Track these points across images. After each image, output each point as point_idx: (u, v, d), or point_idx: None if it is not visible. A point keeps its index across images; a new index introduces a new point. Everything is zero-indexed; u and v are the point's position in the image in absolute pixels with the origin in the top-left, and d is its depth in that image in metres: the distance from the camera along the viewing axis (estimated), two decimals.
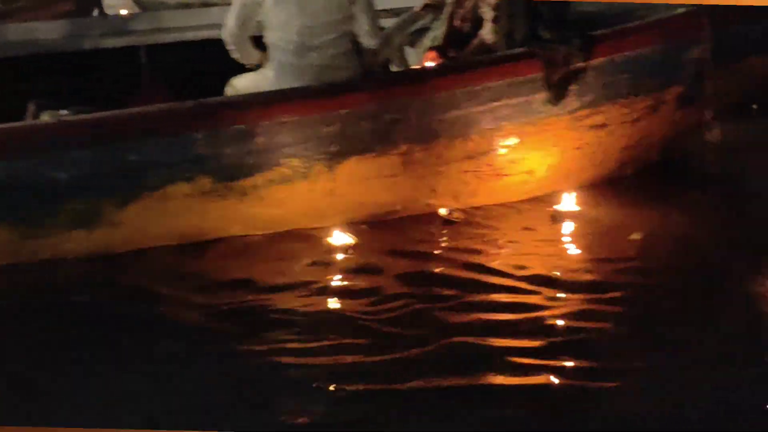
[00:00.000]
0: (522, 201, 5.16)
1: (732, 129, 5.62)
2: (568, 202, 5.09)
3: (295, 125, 4.76)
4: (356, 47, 5.06)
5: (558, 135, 5.08)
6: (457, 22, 5.07)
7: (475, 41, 5.00)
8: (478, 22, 5.02)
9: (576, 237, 4.88)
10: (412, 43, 5.24)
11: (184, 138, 4.70)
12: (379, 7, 5.32)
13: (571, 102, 5.03)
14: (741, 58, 5.28)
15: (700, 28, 5.07)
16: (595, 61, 5.00)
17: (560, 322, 4.09)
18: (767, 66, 5.48)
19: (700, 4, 5.10)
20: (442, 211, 5.02)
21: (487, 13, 4.98)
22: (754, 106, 7.01)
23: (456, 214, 5.04)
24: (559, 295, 4.30)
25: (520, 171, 5.10)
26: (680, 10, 5.12)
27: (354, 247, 4.77)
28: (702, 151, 5.37)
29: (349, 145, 4.82)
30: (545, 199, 5.17)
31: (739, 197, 5.27)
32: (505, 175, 5.08)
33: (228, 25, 5.05)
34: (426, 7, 5.30)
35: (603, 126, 5.13)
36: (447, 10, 5.08)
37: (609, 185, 5.27)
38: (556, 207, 5.08)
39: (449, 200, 5.04)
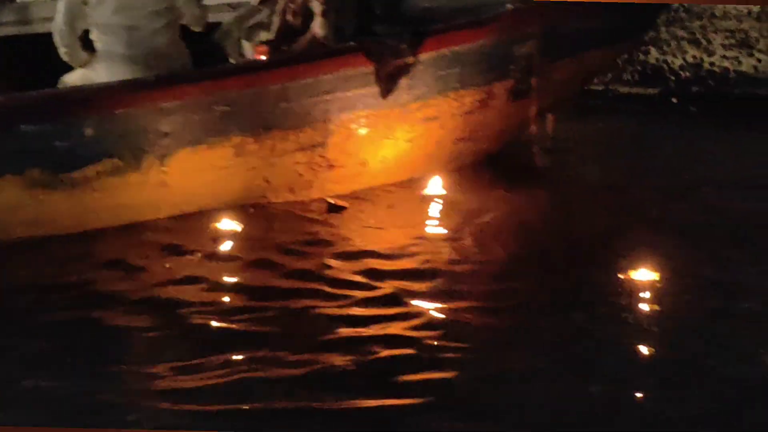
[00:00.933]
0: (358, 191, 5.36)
1: (569, 121, 5.92)
2: (432, 188, 5.34)
3: (126, 116, 4.85)
4: (185, 36, 5.20)
5: (390, 127, 5.25)
6: (289, 17, 5.22)
7: (307, 35, 5.16)
8: (309, 17, 5.18)
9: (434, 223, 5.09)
10: (249, 37, 5.38)
11: (14, 130, 4.77)
12: (218, 2, 5.46)
13: (402, 95, 5.20)
14: (578, 53, 5.48)
15: (530, 23, 5.28)
16: (426, 55, 5.18)
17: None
18: (603, 60, 5.70)
19: (531, 2, 5.32)
20: (329, 199, 5.22)
21: (317, 8, 5.13)
22: (674, 100, 7.34)
23: (341, 202, 5.22)
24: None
25: (354, 162, 5.26)
26: (510, 7, 5.33)
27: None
28: (538, 143, 5.59)
29: (180, 136, 4.92)
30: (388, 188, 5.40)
31: (574, 187, 5.52)
32: (339, 166, 5.24)
33: (57, 23, 5.13)
34: (263, 1, 5.45)
35: (435, 119, 5.31)
36: (279, 4, 5.23)
37: (453, 175, 5.49)
38: (425, 192, 5.31)
39: (284, 192, 5.19)
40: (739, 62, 7.34)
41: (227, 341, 3.98)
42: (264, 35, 5.28)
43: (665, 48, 7.48)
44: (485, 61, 5.28)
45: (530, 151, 5.54)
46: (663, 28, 7.45)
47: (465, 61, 5.24)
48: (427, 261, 4.64)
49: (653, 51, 7.55)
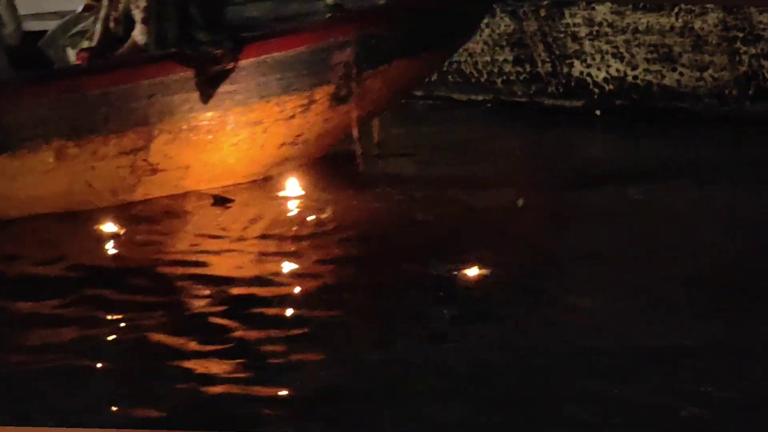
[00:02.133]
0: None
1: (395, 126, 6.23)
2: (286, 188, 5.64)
3: None
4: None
5: (213, 131, 5.47)
6: (111, 25, 5.43)
7: (128, 42, 5.37)
8: (131, 25, 5.39)
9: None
10: (74, 45, 5.59)
11: None
12: (46, 10, 5.66)
13: (225, 100, 5.43)
14: (389, 60, 5.76)
15: (347, 32, 5.55)
16: (246, 62, 5.42)
17: None
18: (412, 68, 5.97)
19: (348, 11, 5.61)
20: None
21: (138, 16, 5.35)
22: (597, 112, 7.60)
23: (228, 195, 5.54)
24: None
25: (177, 166, 5.47)
26: (329, 16, 5.60)
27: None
28: (364, 147, 5.89)
29: None
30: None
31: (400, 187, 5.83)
32: (162, 170, 5.45)
33: None
34: (87, 9, 5.67)
35: (258, 123, 5.55)
36: (102, 12, 5.45)
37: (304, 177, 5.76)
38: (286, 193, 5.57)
39: (107, 196, 5.39)
40: (662, 76, 7.56)
41: None
42: (86, 42, 5.49)
43: (589, 61, 7.69)
44: (305, 68, 5.53)
45: (359, 154, 5.80)
46: (587, 42, 7.68)
47: (285, 67, 5.48)
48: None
49: (577, 64, 7.76)
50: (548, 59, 7.92)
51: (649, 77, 7.63)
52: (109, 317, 4.31)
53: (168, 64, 5.30)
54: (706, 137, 6.94)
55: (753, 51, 7.43)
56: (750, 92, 7.51)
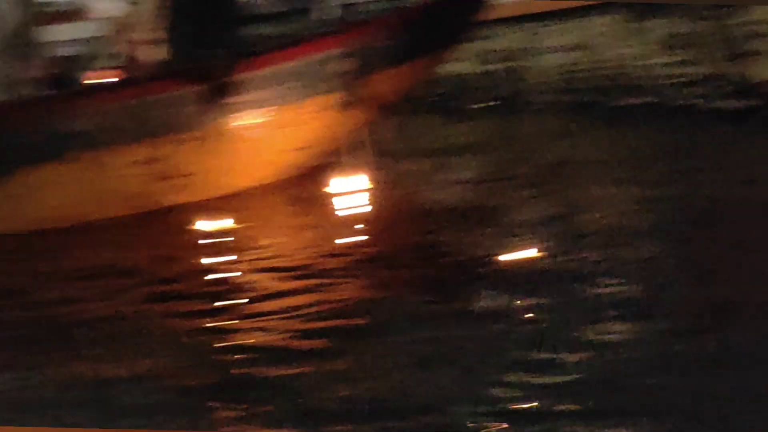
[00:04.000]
0: None
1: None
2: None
3: None
4: None
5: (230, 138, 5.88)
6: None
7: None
8: None
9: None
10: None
11: None
12: None
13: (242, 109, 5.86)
14: (389, 67, 6.05)
15: (349, 42, 5.85)
16: (252, 74, 5.80)
17: None
18: (411, 73, 6.24)
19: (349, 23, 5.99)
20: None
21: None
22: None
23: None
24: None
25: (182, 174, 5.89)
26: (332, 29, 5.96)
27: None
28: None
29: None
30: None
31: None
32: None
33: None
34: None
35: (279, 128, 5.94)
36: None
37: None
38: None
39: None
40: None
41: None
42: None
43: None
44: (307, 78, 5.85)
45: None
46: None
47: (297, 74, 5.85)
48: None
49: (753, 64, 7.36)
50: (720, 60, 7.61)
51: None
52: None
53: (176, 81, 5.73)
54: None
55: None
56: None
